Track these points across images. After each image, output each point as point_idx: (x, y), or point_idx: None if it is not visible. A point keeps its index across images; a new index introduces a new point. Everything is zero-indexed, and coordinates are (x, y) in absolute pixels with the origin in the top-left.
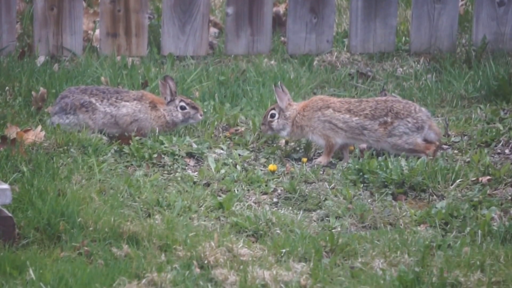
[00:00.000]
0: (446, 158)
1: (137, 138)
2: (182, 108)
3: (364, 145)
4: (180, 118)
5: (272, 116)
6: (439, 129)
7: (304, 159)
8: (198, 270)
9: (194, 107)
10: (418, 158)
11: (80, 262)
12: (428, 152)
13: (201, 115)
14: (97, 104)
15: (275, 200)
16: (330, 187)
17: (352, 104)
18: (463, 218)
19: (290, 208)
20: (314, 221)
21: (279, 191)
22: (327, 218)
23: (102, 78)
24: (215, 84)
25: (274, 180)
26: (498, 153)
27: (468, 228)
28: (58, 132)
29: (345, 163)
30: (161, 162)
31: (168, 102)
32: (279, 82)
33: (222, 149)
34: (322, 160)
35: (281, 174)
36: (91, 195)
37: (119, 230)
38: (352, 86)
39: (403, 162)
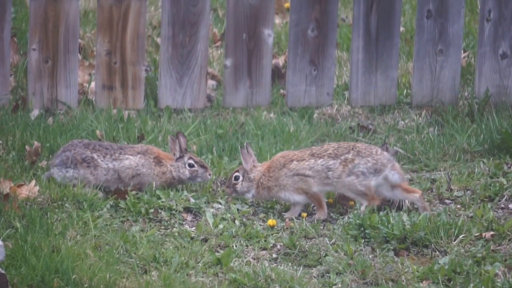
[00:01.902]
0: (448, 213)
1: (134, 192)
2: (190, 165)
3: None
4: (187, 176)
5: (236, 178)
6: (402, 171)
7: (304, 214)
8: None
9: (203, 166)
10: (420, 213)
11: None
12: (371, 202)
13: (209, 175)
14: (99, 160)
15: (274, 256)
16: (331, 242)
17: (314, 149)
18: (466, 274)
19: (290, 264)
20: (314, 277)
21: (278, 246)
22: (327, 274)
23: (98, 132)
24: (213, 137)
25: (274, 235)
26: (502, 208)
27: (471, 285)
28: (53, 187)
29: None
30: (158, 217)
31: (177, 158)
32: (245, 143)
33: (220, 203)
34: (319, 215)
35: (280, 229)
36: (86, 251)
37: (114, 287)
38: (353, 139)
39: (404, 217)
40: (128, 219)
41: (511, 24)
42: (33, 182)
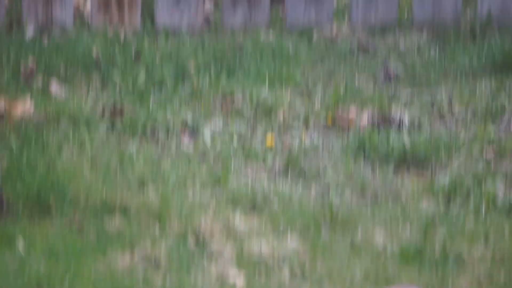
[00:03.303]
0: (449, 132)
1: (130, 110)
2: None
3: None
4: None
5: None
6: None
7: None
8: (193, 242)
9: None
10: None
11: (71, 235)
12: None
13: None
14: None
15: (272, 174)
16: (330, 162)
17: None
18: (467, 192)
19: (289, 181)
20: (314, 195)
21: (277, 164)
22: (326, 192)
23: (94, 49)
24: (210, 58)
25: (272, 153)
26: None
27: (472, 202)
28: (48, 104)
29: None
30: (155, 136)
31: None
32: None
33: (218, 122)
34: None
35: (279, 147)
36: (82, 169)
37: (111, 203)
38: (353, 60)
39: (405, 136)
40: (125, 137)
41: None
42: (28, 100)
